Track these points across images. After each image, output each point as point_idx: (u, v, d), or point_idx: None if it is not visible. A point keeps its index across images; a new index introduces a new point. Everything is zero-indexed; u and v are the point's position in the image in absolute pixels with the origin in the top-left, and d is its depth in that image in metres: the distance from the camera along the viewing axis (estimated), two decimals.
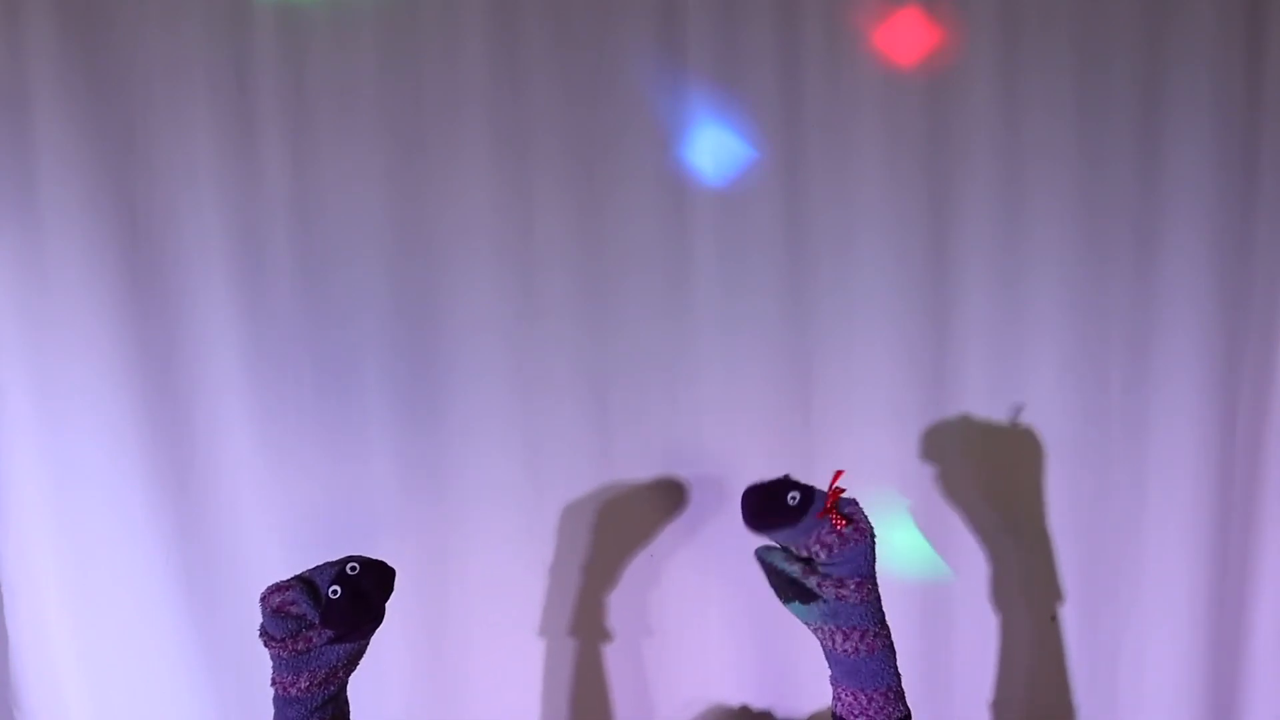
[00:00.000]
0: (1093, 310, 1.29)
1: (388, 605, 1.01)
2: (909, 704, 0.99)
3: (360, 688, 1.32)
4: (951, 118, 1.26)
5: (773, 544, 0.99)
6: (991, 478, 1.33)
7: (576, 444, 1.31)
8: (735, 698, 1.37)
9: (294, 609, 0.96)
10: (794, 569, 0.96)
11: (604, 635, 1.35)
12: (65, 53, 1.20)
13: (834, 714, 0.99)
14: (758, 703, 1.36)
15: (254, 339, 1.26)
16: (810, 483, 0.97)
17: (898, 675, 0.98)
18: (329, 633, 0.96)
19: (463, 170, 1.26)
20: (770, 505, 0.95)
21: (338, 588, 0.96)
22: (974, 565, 1.35)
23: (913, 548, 1.34)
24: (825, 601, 0.95)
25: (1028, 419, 1.31)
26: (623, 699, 1.36)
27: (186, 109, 1.23)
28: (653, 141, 1.26)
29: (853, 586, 0.94)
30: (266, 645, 0.97)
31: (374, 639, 1.32)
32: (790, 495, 0.94)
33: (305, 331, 1.27)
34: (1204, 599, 1.33)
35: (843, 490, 0.96)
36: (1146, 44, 1.25)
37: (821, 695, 1.33)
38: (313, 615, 0.95)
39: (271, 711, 1.30)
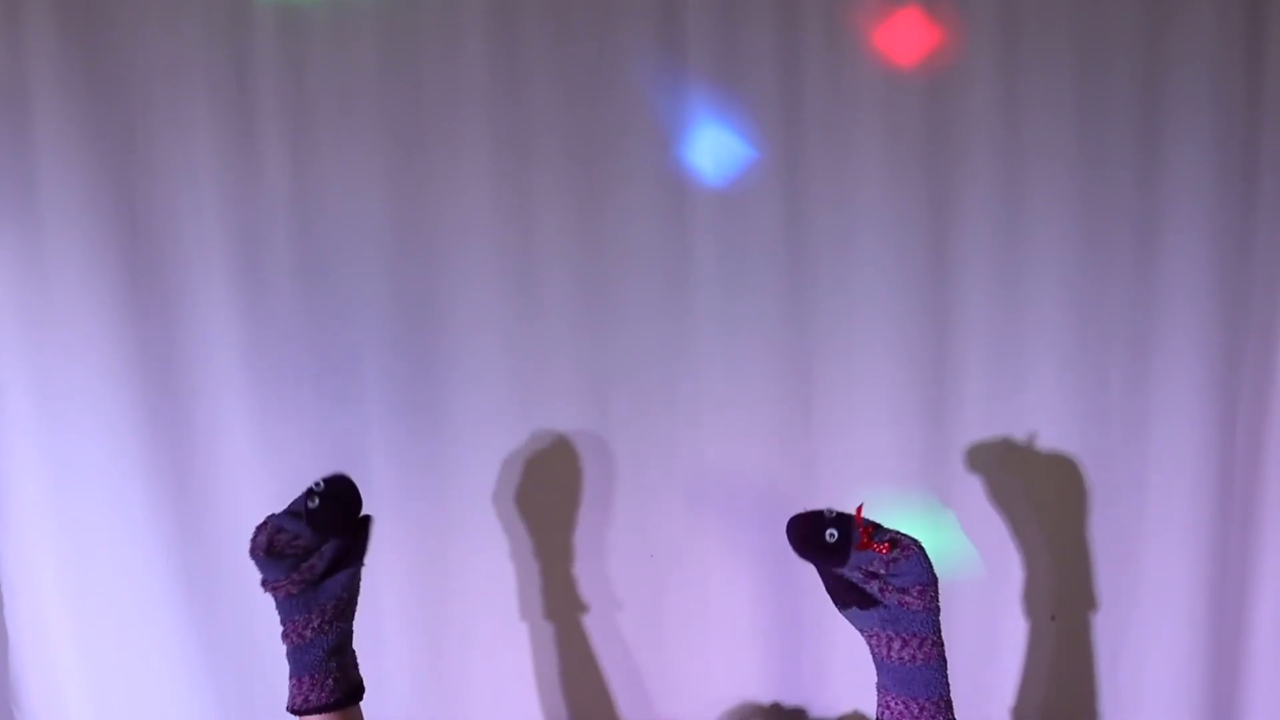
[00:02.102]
0: (1093, 310, 1.29)
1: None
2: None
3: None
4: (951, 118, 1.26)
5: None
6: (995, 480, 1.33)
7: (576, 444, 1.31)
8: (749, 695, 1.37)
9: (281, 537, 0.97)
10: (854, 575, 0.94)
11: (606, 635, 1.35)
12: (65, 53, 1.20)
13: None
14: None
15: (254, 339, 1.26)
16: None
17: (948, 685, 0.95)
18: (326, 552, 0.98)
19: (463, 170, 1.26)
20: (813, 545, 0.93)
21: (313, 500, 0.97)
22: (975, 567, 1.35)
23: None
24: (886, 608, 0.93)
25: (1029, 420, 1.31)
26: (633, 698, 1.36)
27: (186, 109, 1.23)
28: (653, 141, 1.26)
29: (916, 593, 0.92)
30: (274, 591, 0.98)
31: (373, 638, 1.33)
32: (828, 533, 0.93)
33: (305, 331, 1.27)
34: (1204, 599, 1.33)
35: (868, 522, 0.94)
36: (1146, 44, 1.25)
37: (837, 696, 1.35)
38: (300, 530, 0.97)
39: (272, 709, 1.30)
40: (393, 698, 1.32)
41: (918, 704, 0.93)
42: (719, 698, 1.36)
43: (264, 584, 0.99)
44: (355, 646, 1.31)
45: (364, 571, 1.29)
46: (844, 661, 1.34)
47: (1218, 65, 1.25)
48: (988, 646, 1.35)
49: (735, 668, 1.36)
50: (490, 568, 1.32)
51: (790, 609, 1.32)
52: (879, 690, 0.97)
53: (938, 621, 0.95)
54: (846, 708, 1.36)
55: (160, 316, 1.26)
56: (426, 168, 1.26)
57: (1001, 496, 1.33)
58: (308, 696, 0.99)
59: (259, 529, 0.98)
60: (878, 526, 0.94)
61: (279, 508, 1.28)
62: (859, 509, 0.94)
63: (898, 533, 0.94)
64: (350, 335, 1.28)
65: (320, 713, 0.99)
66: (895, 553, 0.92)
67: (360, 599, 1.29)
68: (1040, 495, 1.33)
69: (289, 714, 1.00)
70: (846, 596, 0.95)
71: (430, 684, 1.33)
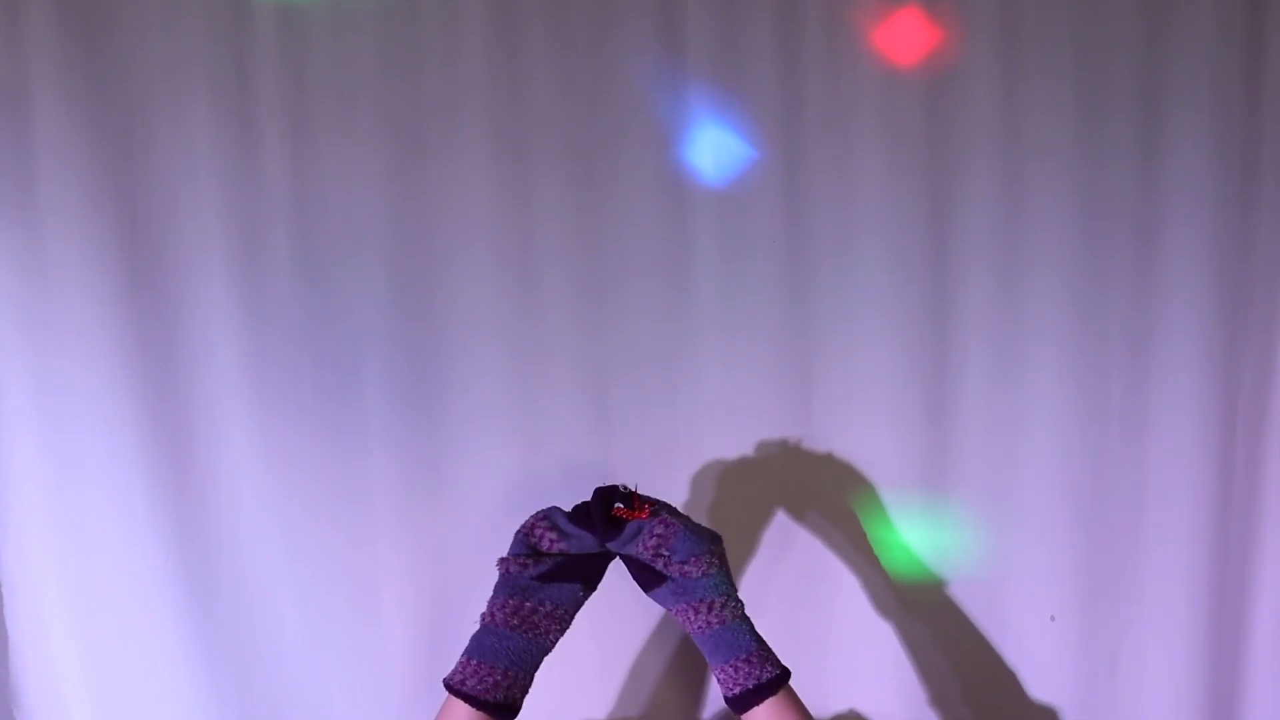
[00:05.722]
0: (1093, 310, 1.29)
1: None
2: (785, 663, 1.04)
3: (359, 687, 1.33)
4: (951, 118, 1.26)
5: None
6: (994, 480, 1.33)
7: (576, 444, 1.31)
8: None
9: (541, 525, 1.03)
10: (644, 555, 1.03)
11: (602, 633, 1.35)
12: (65, 53, 1.20)
13: (726, 699, 1.03)
14: None
15: (254, 339, 1.26)
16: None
17: (760, 640, 1.03)
18: (561, 560, 1.03)
19: (463, 170, 1.26)
20: (600, 523, 1.02)
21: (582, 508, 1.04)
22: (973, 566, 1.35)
23: (920, 547, 1.34)
24: (674, 580, 1.02)
25: (1029, 420, 1.31)
26: (627, 696, 1.36)
27: (186, 109, 1.23)
28: (653, 141, 1.26)
29: (692, 563, 1.02)
30: (501, 565, 1.04)
31: (372, 637, 1.33)
32: (615, 506, 1.03)
33: (305, 331, 1.27)
34: (1204, 599, 1.33)
35: (636, 496, 1.05)
36: (1146, 44, 1.25)
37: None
38: (559, 520, 1.03)
39: (272, 709, 1.30)
40: (392, 697, 1.32)
41: (733, 666, 1.02)
42: (713, 695, 1.37)
43: (500, 560, 1.05)
44: (354, 644, 1.32)
45: (362, 570, 1.30)
46: (840, 661, 1.34)
47: (1218, 65, 1.25)
48: (988, 646, 1.35)
49: None
50: (490, 567, 1.32)
51: (786, 608, 1.32)
52: (712, 670, 1.04)
53: (725, 584, 1.03)
54: (842, 707, 1.36)
55: (160, 316, 1.25)
56: (426, 168, 1.25)
57: (1000, 496, 1.33)
58: (466, 679, 1.00)
59: (537, 514, 1.05)
60: (643, 499, 1.04)
61: (279, 507, 1.29)
62: (635, 487, 1.05)
63: (657, 504, 1.04)
64: (350, 335, 1.28)
65: (468, 703, 0.99)
66: (659, 526, 1.01)
67: (359, 597, 1.31)
68: (1039, 495, 1.33)
69: (444, 687, 1.02)
70: (644, 579, 1.05)
71: (429, 682, 1.33)
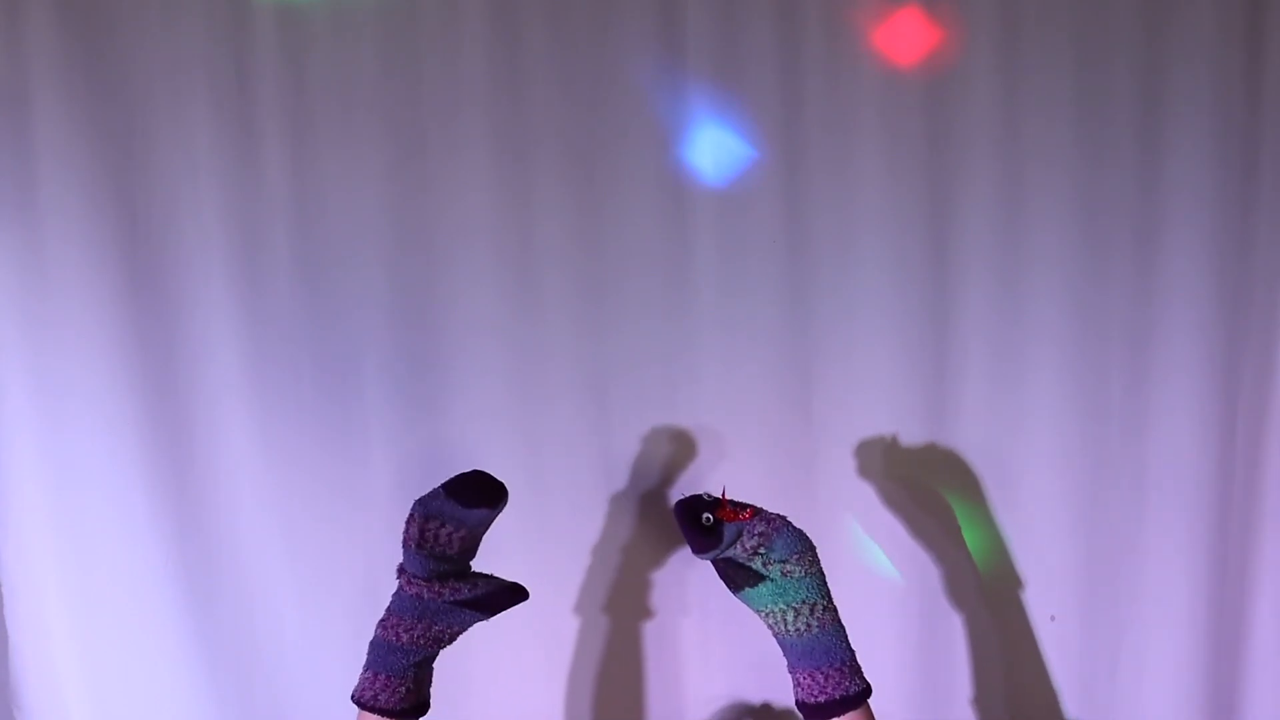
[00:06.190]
0: (1093, 310, 1.29)
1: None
2: (867, 679, 0.99)
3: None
4: (951, 118, 1.26)
5: None
6: (995, 480, 1.33)
7: (576, 444, 1.31)
8: (740, 695, 1.37)
9: (430, 526, 0.99)
10: (739, 555, 0.98)
11: (605, 637, 1.35)
12: (65, 53, 1.20)
13: (797, 702, 1.00)
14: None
15: (254, 339, 1.26)
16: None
17: (852, 651, 0.99)
18: (482, 586, 1.02)
19: (463, 170, 1.26)
20: (693, 528, 0.98)
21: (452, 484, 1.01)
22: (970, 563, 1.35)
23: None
24: (773, 580, 0.97)
25: (1029, 420, 1.31)
26: (625, 697, 1.36)
27: (186, 109, 1.23)
28: (653, 141, 1.26)
29: (794, 560, 0.97)
30: (408, 584, 1.01)
31: (370, 637, 1.33)
32: (704, 517, 0.98)
33: (305, 331, 1.27)
34: (1204, 599, 1.33)
35: (732, 502, 1.00)
36: (1146, 44, 1.25)
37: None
38: (444, 508, 0.99)
39: (271, 709, 1.30)
40: None
41: (823, 673, 0.97)
42: (711, 695, 1.37)
43: (400, 571, 1.01)
44: (354, 644, 1.32)
45: (362, 570, 1.30)
46: None
47: (1218, 65, 1.25)
48: (988, 645, 1.35)
49: (727, 666, 1.36)
50: (486, 567, 1.32)
51: None
52: (790, 673, 1.00)
53: (825, 587, 0.99)
54: None
55: (160, 316, 1.26)
56: (426, 168, 1.26)
57: (1000, 497, 1.33)
58: (377, 695, 1.00)
59: (408, 521, 1.00)
60: (738, 502, 1.00)
61: (279, 507, 1.29)
62: (723, 491, 1.00)
63: (759, 507, 1.00)
64: (350, 335, 1.28)
65: (381, 715, 1.00)
66: (760, 524, 0.98)
67: (359, 597, 1.31)
68: (1039, 495, 1.33)
69: (351, 701, 1.01)
70: (737, 578, 0.99)
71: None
